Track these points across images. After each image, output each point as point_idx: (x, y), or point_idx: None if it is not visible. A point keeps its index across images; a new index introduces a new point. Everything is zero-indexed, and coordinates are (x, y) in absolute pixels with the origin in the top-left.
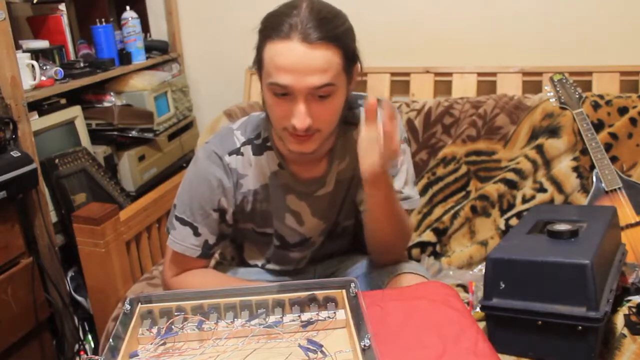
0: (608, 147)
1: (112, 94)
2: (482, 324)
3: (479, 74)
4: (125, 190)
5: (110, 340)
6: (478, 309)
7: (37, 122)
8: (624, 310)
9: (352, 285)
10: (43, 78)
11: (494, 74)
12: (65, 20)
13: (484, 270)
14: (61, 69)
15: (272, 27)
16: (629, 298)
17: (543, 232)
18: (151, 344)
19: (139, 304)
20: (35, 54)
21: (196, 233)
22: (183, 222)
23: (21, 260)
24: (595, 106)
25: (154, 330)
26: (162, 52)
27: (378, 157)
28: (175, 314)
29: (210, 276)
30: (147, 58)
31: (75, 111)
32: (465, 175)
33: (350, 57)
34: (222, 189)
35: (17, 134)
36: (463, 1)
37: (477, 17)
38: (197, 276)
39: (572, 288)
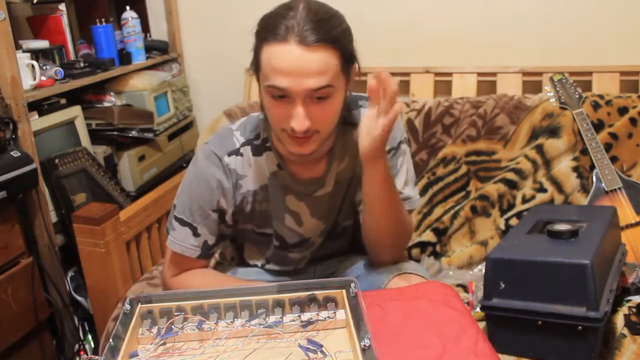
0: (608, 147)
1: (112, 94)
2: (482, 324)
3: (479, 74)
4: (125, 190)
5: (110, 340)
6: (478, 309)
7: (37, 122)
8: (624, 310)
9: (352, 285)
10: (43, 78)
11: (494, 74)
12: (65, 20)
13: (484, 270)
14: (61, 69)
15: (268, 29)
16: (629, 298)
17: (543, 232)
18: (151, 344)
19: (139, 304)
20: (35, 54)
21: (195, 233)
22: (182, 222)
23: (21, 260)
24: (595, 106)
25: (154, 330)
26: (162, 52)
27: (376, 126)
28: (175, 314)
29: (210, 276)
30: (147, 58)
31: (75, 111)
32: (465, 175)
33: (348, 58)
34: (222, 189)
35: (17, 134)
36: (463, 1)
37: (477, 17)
38: (197, 276)
39: (572, 288)
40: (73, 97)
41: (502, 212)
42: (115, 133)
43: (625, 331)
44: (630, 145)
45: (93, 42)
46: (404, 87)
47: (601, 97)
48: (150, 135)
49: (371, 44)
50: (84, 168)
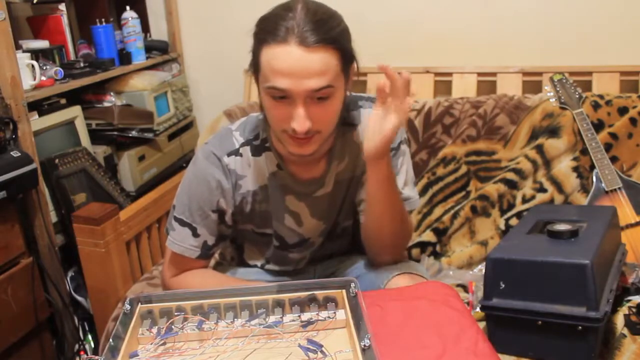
0: (608, 147)
1: (112, 94)
2: (482, 324)
3: (479, 74)
4: (125, 190)
5: (110, 340)
6: (478, 309)
7: (37, 122)
8: (624, 310)
9: (352, 285)
10: (43, 78)
11: (494, 74)
12: (65, 20)
13: (484, 270)
14: (61, 69)
15: (267, 31)
16: (629, 298)
17: (543, 232)
18: (151, 344)
19: (139, 304)
20: (35, 54)
21: (195, 234)
22: (182, 223)
23: (21, 260)
24: (595, 106)
25: (154, 330)
26: (162, 52)
27: (385, 124)
28: (175, 314)
29: (209, 276)
30: (147, 58)
31: (75, 111)
32: (465, 175)
33: (347, 58)
34: (221, 190)
35: (17, 134)
36: (463, 1)
37: (477, 17)
38: (197, 276)
39: (572, 288)
40: (73, 97)
41: (502, 212)
42: (115, 133)
43: (625, 331)
44: (630, 145)
45: (93, 42)
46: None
47: (601, 97)
48: (150, 135)
49: (371, 44)
50: (84, 168)
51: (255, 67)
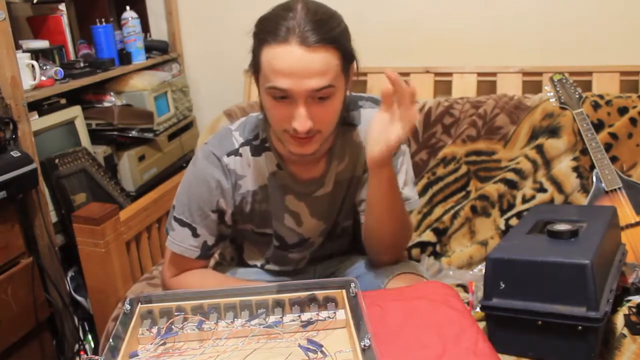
0: (608, 147)
1: (112, 94)
2: (482, 324)
3: (479, 74)
4: (125, 190)
5: (110, 340)
6: (478, 309)
7: (37, 122)
8: (624, 310)
9: (352, 285)
10: (43, 78)
11: (494, 74)
12: (65, 20)
13: (484, 270)
14: (61, 69)
15: (268, 31)
16: (629, 298)
17: (543, 232)
18: (151, 344)
19: (139, 304)
20: (35, 54)
21: (195, 234)
22: (182, 223)
23: (21, 260)
24: (595, 106)
25: (154, 330)
26: (162, 52)
27: (390, 133)
28: (175, 314)
29: (209, 276)
30: (147, 58)
31: (75, 111)
32: (465, 175)
33: (347, 58)
34: (221, 190)
35: (17, 134)
36: (463, 1)
37: (477, 17)
38: (197, 276)
39: (572, 288)
40: (73, 97)
41: (502, 212)
42: (115, 133)
43: (625, 331)
44: (630, 145)
45: (93, 42)
46: None
47: (601, 97)
48: (150, 135)
49: (371, 44)
50: (84, 168)
51: (255, 67)
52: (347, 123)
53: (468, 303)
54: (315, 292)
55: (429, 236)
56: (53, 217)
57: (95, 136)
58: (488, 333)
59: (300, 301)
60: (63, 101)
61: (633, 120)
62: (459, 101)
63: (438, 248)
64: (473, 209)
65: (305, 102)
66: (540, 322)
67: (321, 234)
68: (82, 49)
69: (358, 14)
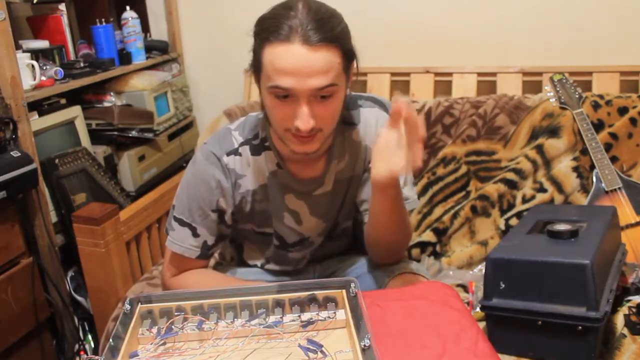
0: (608, 147)
1: (112, 94)
2: (482, 324)
3: (479, 74)
4: (125, 190)
5: (110, 340)
6: (478, 309)
7: (37, 122)
8: (624, 310)
9: (352, 285)
10: (43, 78)
11: (494, 74)
12: (65, 20)
13: (484, 270)
14: (61, 69)
15: (270, 30)
16: (629, 298)
17: (543, 232)
18: (151, 344)
19: (139, 304)
20: (35, 54)
21: (195, 234)
22: (182, 222)
23: (21, 260)
24: (595, 106)
25: (154, 330)
26: (162, 52)
27: (395, 162)
28: (175, 314)
29: (209, 276)
30: (147, 58)
31: (75, 111)
32: (465, 175)
33: (348, 56)
34: (221, 189)
35: (17, 134)
36: (463, 1)
37: (477, 17)
38: (197, 276)
39: (572, 288)
40: (73, 97)
41: (502, 212)
42: (115, 133)
43: (625, 331)
44: (630, 145)
45: (93, 42)
46: (404, 87)
47: (601, 97)
48: (150, 135)
49: (371, 44)
50: (84, 168)
51: (256, 67)
52: (346, 122)
53: (468, 303)
54: (315, 292)
55: (429, 236)
56: (53, 217)
57: (95, 136)
58: (488, 333)
59: (300, 301)
60: (63, 101)
61: (633, 120)
62: (459, 101)
63: (438, 248)
64: (473, 209)
65: (308, 101)
66: (540, 322)
67: (321, 233)
68: (82, 49)
69: (358, 13)
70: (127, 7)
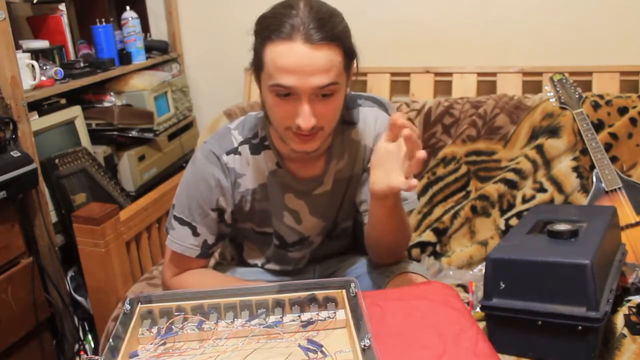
0: (608, 147)
1: (112, 94)
2: (482, 324)
3: (479, 74)
4: (125, 190)
5: (110, 340)
6: (478, 309)
7: (37, 122)
8: (624, 310)
9: (352, 285)
10: (43, 78)
11: (494, 74)
12: (65, 20)
13: (484, 270)
14: (61, 69)
15: (272, 29)
16: (629, 298)
17: (543, 232)
18: (151, 344)
19: (139, 304)
20: (35, 54)
21: (195, 233)
22: (182, 222)
23: (21, 260)
24: (595, 106)
25: (154, 330)
26: (162, 52)
27: (395, 177)
28: (175, 314)
29: (209, 276)
30: (147, 58)
31: (75, 111)
32: (465, 175)
33: (349, 55)
34: (220, 188)
35: (17, 134)
36: (463, 1)
37: (477, 17)
38: (197, 276)
39: (572, 288)
40: (73, 97)
41: (502, 212)
42: (115, 133)
43: (625, 331)
44: (630, 145)
45: (93, 42)
46: (404, 87)
47: (601, 97)
48: (150, 135)
49: (371, 44)
50: (84, 168)
51: (257, 66)
52: (346, 121)
53: (468, 303)
54: (315, 292)
55: (429, 236)
56: (53, 217)
57: (95, 136)
58: (488, 333)
59: (300, 301)
60: (63, 101)
61: (633, 120)
62: (459, 101)
63: (438, 248)
64: (473, 209)
65: (309, 99)
66: (540, 322)
67: (321, 233)
68: (82, 49)
69: (358, 13)
70: (127, 7)
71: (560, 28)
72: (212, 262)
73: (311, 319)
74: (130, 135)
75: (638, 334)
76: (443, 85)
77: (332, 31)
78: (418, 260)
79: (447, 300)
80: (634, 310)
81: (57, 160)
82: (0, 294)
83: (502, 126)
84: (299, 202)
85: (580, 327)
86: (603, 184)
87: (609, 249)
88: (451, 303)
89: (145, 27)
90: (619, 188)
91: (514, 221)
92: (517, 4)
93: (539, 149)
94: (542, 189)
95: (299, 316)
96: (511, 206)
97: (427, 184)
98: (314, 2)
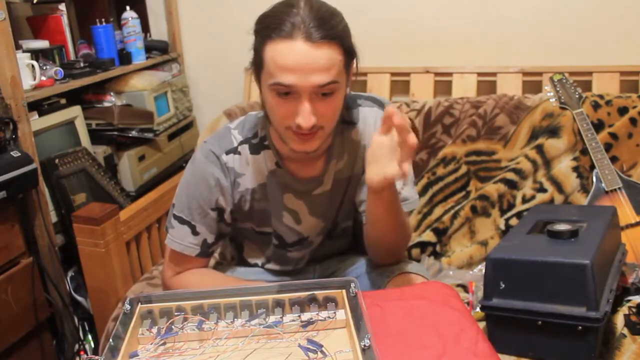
0: (608, 147)
1: (112, 94)
2: (482, 324)
3: (479, 74)
4: (125, 190)
5: (110, 340)
6: (478, 309)
7: (37, 122)
8: (624, 310)
9: (352, 285)
10: (43, 78)
11: (494, 74)
12: (65, 20)
13: (484, 270)
14: (61, 69)
15: (272, 27)
16: (629, 298)
17: (543, 232)
18: (151, 344)
19: (139, 304)
20: (35, 54)
21: (194, 232)
22: (181, 220)
23: (21, 260)
24: (595, 106)
25: (154, 330)
26: (162, 52)
27: (389, 166)
28: (175, 314)
29: (209, 276)
30: (147, 58)
31: (75, 111)
32: (465, 175)
33: (349, 55)
34: (220, 187)
35: (17, 134)
36: (463, 1)
37: (477, 17)
38: (197, 276)
39: (572, 288)
40: (73, 97)
41: (502, 212)
42: (115, 133)
43: (625, 331)
44: (630, 145)
45: (93, 42)
46: (404, 87)
47: (601, 97)
48: (150, 135)
49: (371, 43)
50: (84, 168)
51: (257, 65)
52: (346, 121)
53: (468, 303)
54: (315, 292)
55: (429, 236)
56: (53, 217)
57: (95, 136)
58: (488, 333)
59: (300, 301)
60: (63, 101)
61: (633, 120)
62: (459, 101)
63: (438, 248)
64: (473, 209)
65: (309, 98)
66: (540, 322)
67: (320, 233)
68: (82, 49)
69: (358, 13)
70: (127, 7)
71: (560, 28)
72: (212, 262)
73: (311, 319)
74: (130, 135)
75: (638, 334)
76: (443, 85)
77: (333, 30)
78: (418, 260)
79: (447, 300)
80: (634, 310)
81: (57, 160)
82: (0, 294)
83: (502, 126)
84: (299, 202)
85: (580, 327)
86: (603, 184)
87: (609, 249)
88: (451, 303)
89: (145, 27)
90: (619, 188)
91: (514, 221)
92: (517, 4)
93: (539, 149)
94: (542, 189)
95: (299, 316)
96: (511, 206)
97: (427, 184)
98: (314, 1)
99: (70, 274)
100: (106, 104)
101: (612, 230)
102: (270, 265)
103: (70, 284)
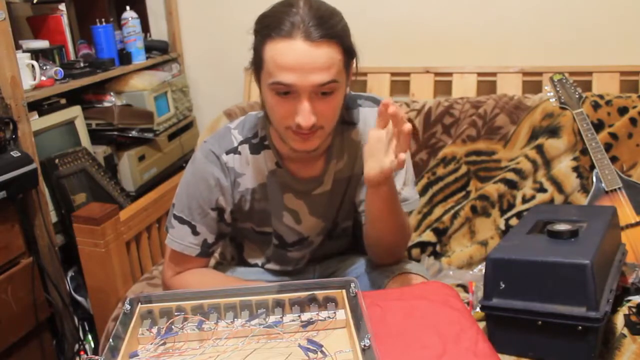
0: (608, 147)
1: (112, 94)
2: (482, 324)
3: (479, 74)
4: (125, 190)
5: (110, 340)
6: (478, 309)
7: (37, 122)
8: (624, 310)
9: (352, 285)
10: (43, 78)
11: (494, 74)
12: (65, 20)
13: (484, 270)
14: (61, 69)
15: (272, 27)
16: (629, 298)
17: (543, 232)
18: (151, 344)
19: (139, 304)
20: (35, 54)
21: (195, 232)
22: (181, 220)
23: (21, 260)
24: (595, 106)
25: (154, 330)
26: (162, 52)
27: (385, 158)
28: (175, 314)
29: (209, 276)
30: (147, 58)
31: (75, 111)
32: (465, 175)
33: (349, 54)
34: (220, 187)
35: (17, 134)
36: (463, 1)
37: (477, 17)
38: (197, 276)
39: (572, 288)
40: (73, 97)
41: (502, 212)
42: (115, 133)
43: (625, 331)
44: (630, 145)
45: (93, 42)
46: (404, 87)
47: (601, 97)
48: (150, 135)
49: (371, 43)
50: (84, 168)
51: (257, 64)
52: (346, 122)
53: (468, 303)
54: (315, 292)
55: (429, 236)
56: (53, 217)
57: (95, 136)
58: (488, 333)
59: (300, 301)
60: (63, 101)
61: (633, 120)
62: (459, 101)
63: (438, 248)
64: (473, 209)
65: (309, 97)
66: (540, 322)
67: (320, 233)
68: (82, 49)
69: (358, 13)
70: (127, 7)
71: (560, 28)
72: (212, 262)
73: (311, 319)
74: (130, 135)
75: (638, 334)
76: (443, 85)
77: (332, 29)
78: (418, 260)
79: (447, 300)
80: (634, 310)
81: (57, 160)
82: (0, 294)
83: (502, 126)
84: (299, 202)
85: (580, 327)
86: (603, 184)
87: (609, 249)
88: (451, 303)
89: (145, 27)
90: (619, 188)
91: (514, 221)
92: (517, 4)
93: (539, 149)
94: (542, 189)
95: (299, 316)
96: (511, 206)
97: (427, 184)
98: (313, 1)
99: (70, 274)
100: (106, 104)
101: (612, 230)
102: (270, 265)
103: (70, 284)
